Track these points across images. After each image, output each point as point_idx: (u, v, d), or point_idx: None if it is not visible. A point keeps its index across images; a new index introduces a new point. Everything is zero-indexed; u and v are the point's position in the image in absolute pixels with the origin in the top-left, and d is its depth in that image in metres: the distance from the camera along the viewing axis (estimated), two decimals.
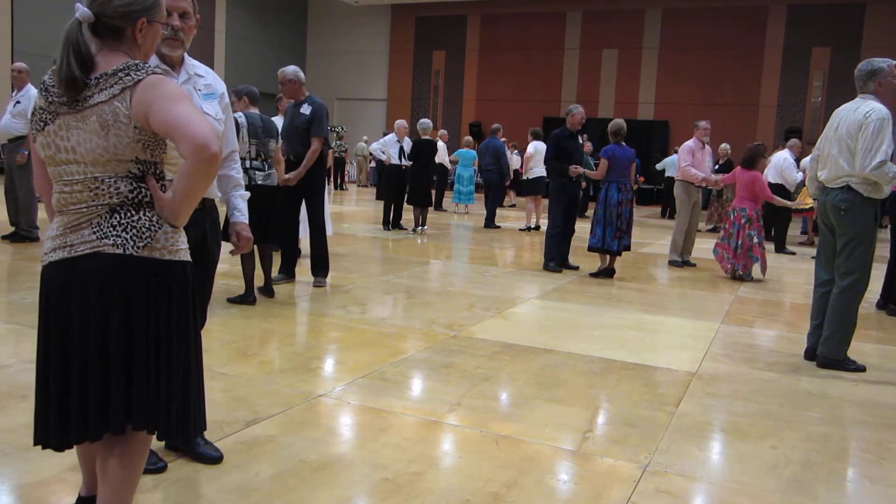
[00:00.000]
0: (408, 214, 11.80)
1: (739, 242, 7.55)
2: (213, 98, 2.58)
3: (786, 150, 10.45)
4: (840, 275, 4.35)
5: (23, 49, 15.52)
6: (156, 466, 2.55)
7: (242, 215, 2.79)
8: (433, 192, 12.77)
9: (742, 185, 7.67)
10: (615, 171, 7.23)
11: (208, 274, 2.64)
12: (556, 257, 7.68)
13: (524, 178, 11.84)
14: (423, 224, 10.80)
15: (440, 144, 14.01)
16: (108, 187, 1.82)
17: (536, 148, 11.54)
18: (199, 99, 2.50)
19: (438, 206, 14.59)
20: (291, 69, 6.02)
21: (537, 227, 11.75)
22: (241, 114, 5.28)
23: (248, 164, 5.26)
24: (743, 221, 7.55)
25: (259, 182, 5.28)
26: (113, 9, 1.85)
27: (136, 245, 1.82)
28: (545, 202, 12.12)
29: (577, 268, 7.71)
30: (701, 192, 8.70)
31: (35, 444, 1.91)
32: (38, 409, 1.90)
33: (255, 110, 5.40)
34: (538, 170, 11.43)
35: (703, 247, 10.18)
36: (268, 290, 5.50)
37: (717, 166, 12.80)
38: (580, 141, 7.82)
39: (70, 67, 1.78)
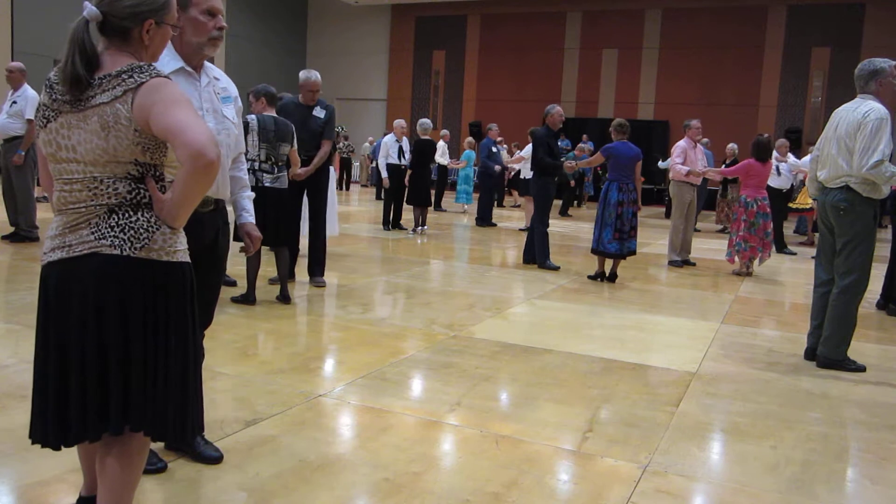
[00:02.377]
0: (408, 214, 11.80)
1: (768, 231, 7.79)
2: (229, 101, 2.62)
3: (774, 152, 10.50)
4: (840, 275, 4.34)
5: (23, 49, 15.52)
6: (156, 467, 2.55)
7: (250, 216, 2.83)
8: (433, 192, 12.77)
9: (763, 178, 7.90)
10: (617, 171, 7.04)
11: (220, 274, 2.66)
12: (549, 254, 7.77)
13: (522, 178, 11.79)
14: (423, 224, 10.80)
15: (440, 144, 14.03)
16: (106, 187, 1.82)
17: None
18: (219, 103, 2.53)
19: (438, 206, 14.61)
20: (316, 75, 6.08)
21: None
22: (253, 116, 5.26)
23: (256, 165, 5.24)
24: (767, 209, 7.84)
25: (267, 184, 5.26)
26: (121, 9, 1.85)
27: (134, 246, 1.82)
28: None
29: (558, 267, 7.69)
30: (697, 192, 8.69)
31: (33, 442, 1.91)
32: (36, 407, 1.90)
33: (271, 112, 5.38)
34: None
35: (704, 246, 10.20)
36: (284, 298, 5.45)
37: (723, 166, 12.84)
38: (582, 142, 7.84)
39: (75, 66, 1.78)
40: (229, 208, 2.76)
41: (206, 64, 2.56)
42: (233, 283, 5.90)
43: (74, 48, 1.79)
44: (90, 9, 1.84)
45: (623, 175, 7.02)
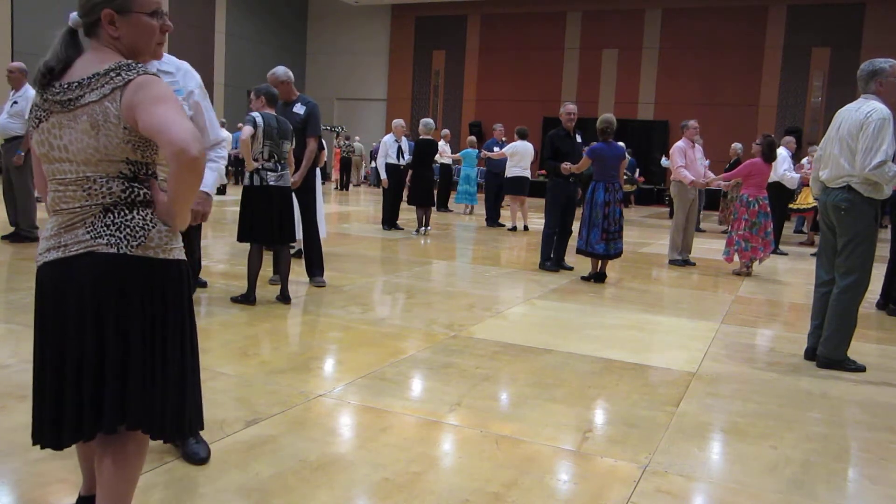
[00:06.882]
0: (409, 214, 11.80)
1: (768, 230, 7.82)
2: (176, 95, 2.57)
3: (782, 147, 10.48)
4: (840, 274, 4.34)
5: (23, 49, 15.53)
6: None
7: (203, 185, 2.78)
8: (436, 192, 12.73)
9: (765, 178, 7.94)
10: (602, 171, 7.05)
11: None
12: (552, 257, 7.67)
13: (505, 176, 11.74)
14: (427, 224, 10.76)
15: (441, 143, 13.99)
16: (100, 187, 1.82)
17: (515, 148, 11.49)
18: None
19: (442, 207, 14.51)
20: (282, 70, 6.00)
21: (526, 228, 11.70)
22: (257, 114, 5.25)
23: (260, 164, 5.23)
24: (768, 209, 7.88)
25: (271, 183, 5.25)
26: (81, 6, 1.87)
27: (130, 244, 1.82)
28: (529, 202, 12.10)
29: (571, 268, 7.68)
30: (698, 191, 8.72)
31: (33, 443, 1.91)
32: (36, 408, 1.90)
33: (270, 111, 5.37)
34: (517, 169, 11.40)
35: (705, 246, 10.19)
36: (284, 298, 5.44)
37: (727, 166, 12.87)
38: (578, 140, 7.71)
39: (45, 62, 1.84)
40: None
41: (162, 57, 2.54)
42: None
43: (51, 50, 1.85)
44: (72, 16, 1.89)
45: (608, 175, 7.05)
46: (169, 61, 2.59)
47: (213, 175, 2.85)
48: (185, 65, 2.67)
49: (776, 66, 20.12)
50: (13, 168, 7.51)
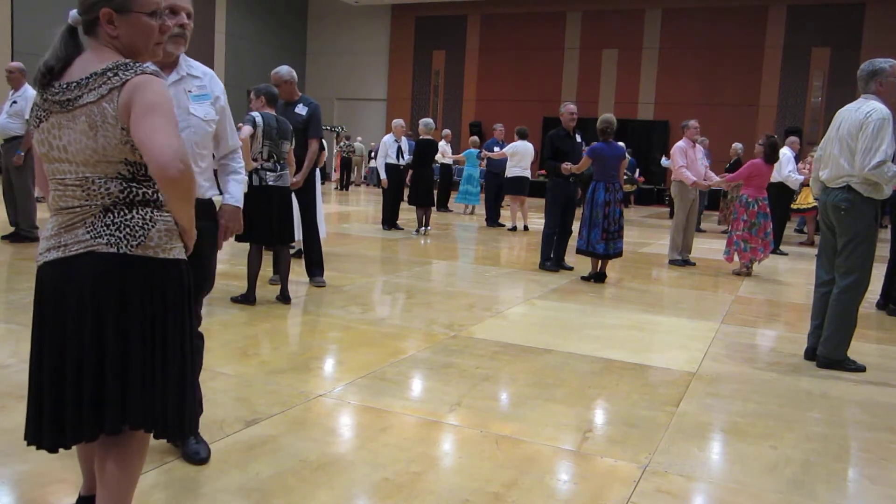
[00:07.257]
0: (409, 214, 11.78)
1: (767, 231, 7.83)
2: (205, 99, 2.56)
3: (786, 147, 10.46)
4: (840, 275, 4.35)
5: (23, 49, 15.52)
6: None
7: (231, 197, 2.76)
8: (436, 192, 12.70)
9: (766, 179, 7.95)
10: (603, 171, 7.06)
11: (200, 267, 2.58)
12: (552, 257, 7.67)
13: (506, 176, 11.73)
14: (427, 224, 10.76)
15: (441, 143, 13.97)
16: (98, 188, 1.82)
17: (515, 148, 11.48)
18: (186, 100, 2.50)
19: (442, 207, 14.48)
20: (286, 70, 6.00)
21: (526, 228, 11.69)
22: (257, 114, 5.25)
23: (259, 164, 5.23)
24: (768, 209, 7.89)
25: (271, 183, 5.25)
26: (80, 3, 1.87)
27: (130, 244, 1.82)
28: (529, 202, 12.09)
29: (571, 268, 7.68)
30: (699, 191, 8.72)
31: (28, 443, 1.91)
32: (31, 408, 1.90)
33: (270, 111, 5.37)
34: (517, 169, 11.39)
35: (705, 246, 10.19)
36: (284, 298, 5.45)
37: (727, 166, 12.86)
38: (578, 140, 7.71)
39: (45, 62, 1.84)
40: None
41: (185, 61, 2.54)
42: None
43: (51, 49, 1.84)
44: (72, 14, 1.88)
45: (608, 175, 7.06)
46: (196, 66, 2.60)
47: (239, 187, 2.79)
48: (211, 70, 2.68)
49: (776, 66, 20.11)
50: (13, 168, 7.50)
